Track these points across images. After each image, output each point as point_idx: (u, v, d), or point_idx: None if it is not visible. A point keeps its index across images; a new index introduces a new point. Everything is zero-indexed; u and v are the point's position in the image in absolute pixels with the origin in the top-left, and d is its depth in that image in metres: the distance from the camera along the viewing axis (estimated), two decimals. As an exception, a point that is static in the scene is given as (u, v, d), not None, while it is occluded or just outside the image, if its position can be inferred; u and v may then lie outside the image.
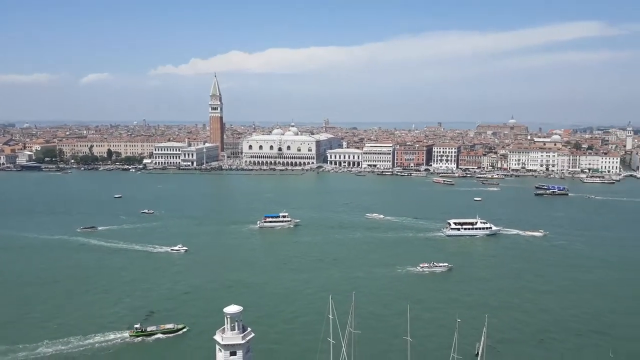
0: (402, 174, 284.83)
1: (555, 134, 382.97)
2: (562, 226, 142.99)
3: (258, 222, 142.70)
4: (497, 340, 67.77)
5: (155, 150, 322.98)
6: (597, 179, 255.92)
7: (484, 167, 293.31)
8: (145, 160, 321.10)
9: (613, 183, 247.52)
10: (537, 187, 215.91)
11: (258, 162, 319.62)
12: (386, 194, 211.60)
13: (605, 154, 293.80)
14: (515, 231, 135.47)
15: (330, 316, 57.38)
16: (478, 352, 60.65)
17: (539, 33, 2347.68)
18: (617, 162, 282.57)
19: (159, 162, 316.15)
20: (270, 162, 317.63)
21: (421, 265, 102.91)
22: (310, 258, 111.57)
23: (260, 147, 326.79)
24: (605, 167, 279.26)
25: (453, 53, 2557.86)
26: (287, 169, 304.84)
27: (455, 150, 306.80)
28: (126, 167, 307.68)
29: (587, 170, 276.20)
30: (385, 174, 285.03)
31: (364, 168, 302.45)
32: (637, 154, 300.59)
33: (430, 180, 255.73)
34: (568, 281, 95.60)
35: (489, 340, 58.05)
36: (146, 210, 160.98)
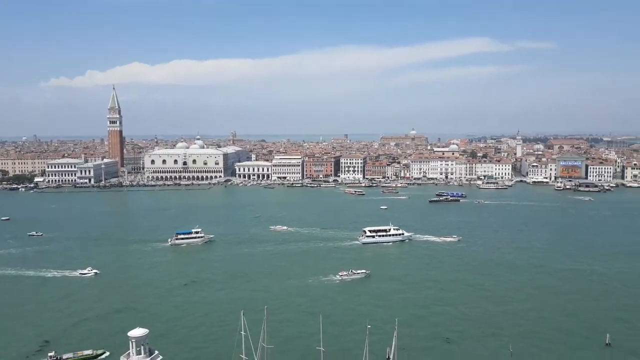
0: (312, 185, 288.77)
1: (453, 143, 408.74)
2: (475, 230, 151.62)
3: (169, 240, 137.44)
4: (407, 342, 70.41)
5: (48, 167, 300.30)
6: (492, 184, 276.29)
7: (388, 177, 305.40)
8: (36, 179, 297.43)
9: (506, 188, 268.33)
10: (437, 195, 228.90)
11: (162, 177, 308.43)
12: (296, 205, 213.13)
13: (499, 161, 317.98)
14: (428, 237, 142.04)
15: (243, 332, 56.54)
16: (389, 356, 62.75)
17: (434, 48, 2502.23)
18: (509, 169, 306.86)
19: (52, 181, 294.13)
20: (175, 177, 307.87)
21: (340, 274, 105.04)
22: (222, 274, 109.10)
23: (164, 161, 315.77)
24: (498, 173, 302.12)
25: (356, 67, 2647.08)
26: (193, 184, 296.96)
27: (362, 161, 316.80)
28: (14, 186, 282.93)
29: (482, 177, 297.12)
30: (295, 186, 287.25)
31: (274, 180, 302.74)
32: (526, 160, 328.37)
33: (340, 191, 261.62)
34: (475, 284, 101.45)
35: (400, 342, 60.20)
36: (34, 233, 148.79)
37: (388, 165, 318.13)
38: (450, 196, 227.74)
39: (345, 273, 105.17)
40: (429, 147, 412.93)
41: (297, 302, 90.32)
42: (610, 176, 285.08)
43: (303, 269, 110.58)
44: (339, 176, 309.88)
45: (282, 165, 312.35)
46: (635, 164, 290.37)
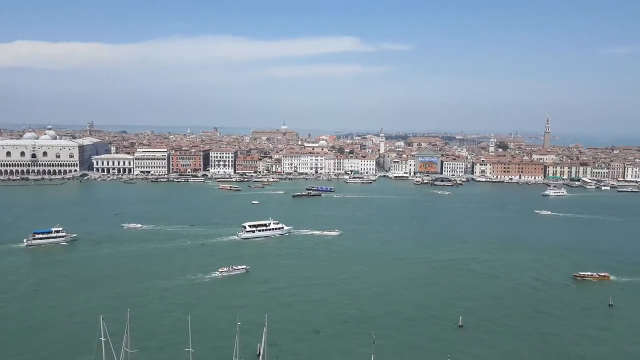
0: (179, 180, 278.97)
1: (322, 139, 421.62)
2: (350, 223, 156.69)
3: (25, 240, 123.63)
4: (278, 337, 71.51)
5: None
6: (358, 179, 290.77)
7: (260, 172, 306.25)
8: None
9: (370, 183, 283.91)
10: (307, 189, 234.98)
11: (5, 171, 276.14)
12: (161, 201, 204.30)
13: (364, 157, 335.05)
14: (309, 231, 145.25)
15: (103, 338, 53.13)
16: (259, 352, 63.16)
17: (304, 44, 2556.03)
18: (373, 164, 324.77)
19: None
20: (22, 172, 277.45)
21: (220, 270, 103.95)
22: (80, 277, 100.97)
23: (8, 153, 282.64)
24: (364, 169, 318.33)
25: (227, 58, 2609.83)
26: (43, 179, 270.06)
27: (232, 155, 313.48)
28: None
29: (349, 172, 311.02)
30: (160, 181, 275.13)
31: (136, 175, 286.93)
32: (388, 156, 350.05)
33: (210, 186, 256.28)
34: (349, 277, 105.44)
35: (271, 338, 60.90)
36: None
37: (260, 159, 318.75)
38: (320, 190, 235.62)
39: (225, 269, 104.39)
40: (299, 142, 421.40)
41: (167, 303, 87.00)
42: (462, 171, 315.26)
43: (172, 268, 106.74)
44: (209, 170, 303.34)
45: (146, 159, 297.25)
46: (482, 160, 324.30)
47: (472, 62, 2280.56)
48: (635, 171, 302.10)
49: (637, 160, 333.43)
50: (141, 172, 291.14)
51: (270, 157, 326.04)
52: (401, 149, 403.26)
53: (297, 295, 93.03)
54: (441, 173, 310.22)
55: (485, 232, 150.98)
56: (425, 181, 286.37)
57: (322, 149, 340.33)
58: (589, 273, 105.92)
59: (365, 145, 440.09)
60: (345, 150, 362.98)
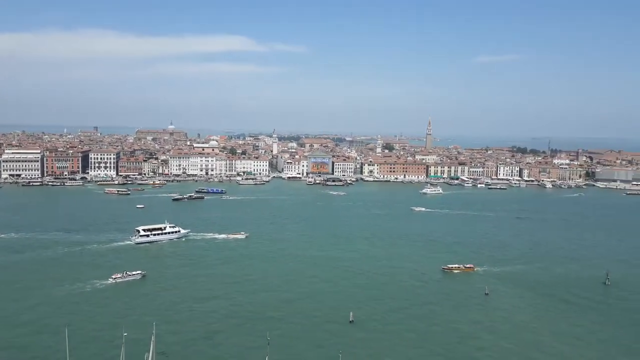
0: (55, 183, 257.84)
1: (213, 139, 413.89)
2: (245, 225, 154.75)
3: None
4: (168, 345, 69.17)
5: None
6: (251, 180, 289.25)
7: (145, 173, 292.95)
8: None
9: (264, 184, 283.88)
10: (196, 191, 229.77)
11: None
12: (34, 207, 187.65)
13: (257, 158, 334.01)
14: (209, 234, 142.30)
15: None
16: (148, 362, 60.60)
17: (195, 42, 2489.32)
18: (266, 165, 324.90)
19: None
20: None
21: (114, 277, 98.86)
22: None
23: None
24: (257, 169, 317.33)
25: (112, 54, 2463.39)
26: None
27: (115, 156, 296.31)
28: None
29: (242, 173, 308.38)
30: (32, 185, 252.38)
31: (5, 179, 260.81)
32: (281, 157, 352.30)
33: (91, 189, 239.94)
34: (244, 279, 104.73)
35: (160, 346, 58.71)
36: None
37: (145, 161, 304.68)
38: (211, 192, 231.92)
39: (119, 275, 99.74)
40: (188, 143, 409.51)
41: (39, 315, 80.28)
42: (352, 171, 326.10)
43: (52, 278, 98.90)
44: (88, 173, 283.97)
45: (16, 161, 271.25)
46: (370, 161, 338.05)
47: (360, 67, 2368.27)
48: (506, 170, 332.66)
49: (507, 160, 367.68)
50: (10, 175, 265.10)
51: (157, 158, 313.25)
52: (294, 150, 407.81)
53: (192, 299, 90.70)
54: (332, 173, 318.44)
55: (371, 230, 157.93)
56: (318, 181, 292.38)
57: (213, 150, 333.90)
58: (456, 265, 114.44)
59: (258, 146, 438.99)
60: (238, 151, 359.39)
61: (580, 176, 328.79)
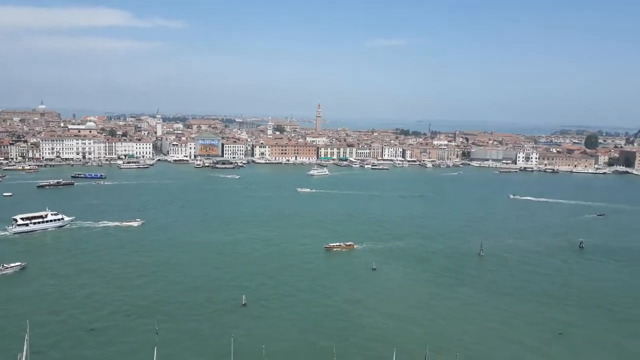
0: None
1: (90, 120, 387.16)
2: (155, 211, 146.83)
3: None
4: (44, 343, 64.47)
5: None
6: (133, 164, 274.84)
7: (12, 158, 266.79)
8: None
9: (147, 167, 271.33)
10: (72, 176, 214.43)
11: None
12: None
13: (139, 140, 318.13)
14: (100, 223, 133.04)
15: None
16: (21, 363, 56.05)
17: (64, 14, 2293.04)
18: (150, 148, 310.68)
19: None
20: None
21: None
22: None
23: None
24: (139, 152, 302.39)
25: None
26: None
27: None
28: None
29: (123, 157, 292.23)
30: None
31: None
32: (166, 139, 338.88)
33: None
34: (132, 268, 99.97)
35: (35, 345, 54.43)
36: None
37: (11, 144, 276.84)
38: (89, 177, 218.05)
39: None
40: (62, 124, 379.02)
41: None
42: (242, 154, 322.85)
43: None
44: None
45: None
46: (262, 143, 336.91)
47: (249, 45, 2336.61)
48: (391, 151, 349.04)
49: (392, 141, 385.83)
50: None
51: (26, 142, 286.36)
52: (180, 132, 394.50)
53: (76, 293, 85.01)
54: (222, 156, 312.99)
55: (261, 212, 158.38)
56: (207, 164, 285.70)
57: (90, 132, 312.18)
58: (337, 243, 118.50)
59: (140, 128, 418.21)
60: (118, 133, 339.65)
61: (457, 156, 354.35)
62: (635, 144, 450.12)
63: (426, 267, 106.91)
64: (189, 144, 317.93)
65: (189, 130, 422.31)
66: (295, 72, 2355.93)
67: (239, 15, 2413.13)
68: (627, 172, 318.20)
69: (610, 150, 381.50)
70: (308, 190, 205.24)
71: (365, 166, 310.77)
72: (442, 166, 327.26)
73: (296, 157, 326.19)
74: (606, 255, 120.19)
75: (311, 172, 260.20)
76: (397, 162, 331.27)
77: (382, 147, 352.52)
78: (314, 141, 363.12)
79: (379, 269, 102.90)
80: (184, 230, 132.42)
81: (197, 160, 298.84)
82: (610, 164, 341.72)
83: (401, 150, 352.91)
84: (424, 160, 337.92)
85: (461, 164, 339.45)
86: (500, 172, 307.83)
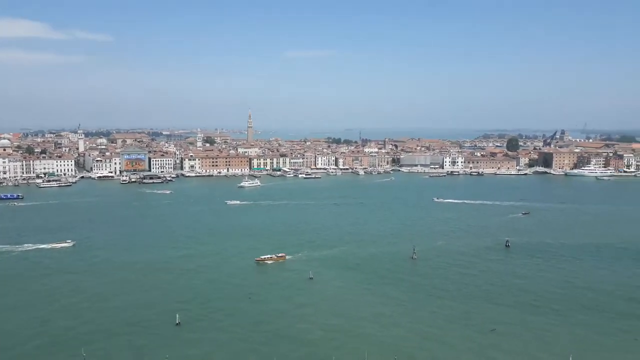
0: None
1: (4, 138, 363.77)
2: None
3: None
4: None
5: None
6: (54, 182, 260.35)
7: None
8: None
9: (70, 185, 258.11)
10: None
11: None
12: None
13: (60, 157, 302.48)
14: (29, 245, 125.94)
15: None
16: None
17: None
18: (72, 165, 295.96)
19: None
20: None
21: None
22: None
23: None
24: (61, 170, 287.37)
25: None
26: None
27: None
28: None
29: (42, 175, 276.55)
30: None
31: None
32: (89, 155, 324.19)
33: None
34: (60, 288, 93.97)
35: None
36: None
37: None
38: (3, 198, 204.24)
39: None
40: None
41: None
42: (171, 167, 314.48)
43: None
44: None
45: None
46: (191, 156, 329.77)
47: (174, 57, 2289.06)
48: (324, 160, 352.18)
49: (324, 150, 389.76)
50: None
51: None
52: (104, 147, 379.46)
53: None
54: (150, 170, 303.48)
55: (190, 227, 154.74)
56: (134, 180, 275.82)
57: (5, 150, 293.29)
58: (268, 256, 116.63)
59: (60, 144, 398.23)
60: (36, 150, 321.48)
61: (388, 162, 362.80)
62: (552, 146, 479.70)
63: (362, 273, 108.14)
64: (113, 159, 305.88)
65: (113, 145, 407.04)
66: (222, 82, 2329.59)
67: (165, 28, 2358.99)
68: (546, 172, 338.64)
69: (530, 152, 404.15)
70: (238, 202, 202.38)
71: (299, 175, 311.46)
72: (373, 173, 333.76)
73: (228, 168, 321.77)
74: (530, 252, 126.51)
75: (242, 184, 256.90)
76: (330, 171, 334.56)
77: (315, 156, 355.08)
78: (246, 152, 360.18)
79: (316, 278, 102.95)
80: (112, 249, 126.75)
81: (122, 175, 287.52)
82: (530, 165, 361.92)
83: (334, 158, 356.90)
84: (356, 168, 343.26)
85: (392, 170, 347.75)
86: (430, 176, 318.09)
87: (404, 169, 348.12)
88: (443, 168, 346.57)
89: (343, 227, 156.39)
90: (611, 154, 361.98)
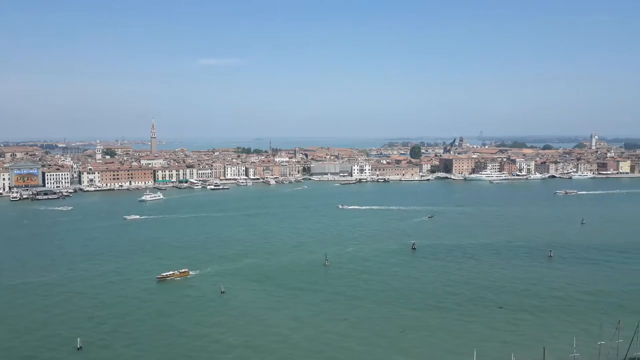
0: None
1: None
2: None
3: None
4: None
5: None
6: None
7: None
8: None
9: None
10: None
11: None
12: None
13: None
14: None
15: None
16: None
17: None
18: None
19: None
20: None
21: None
22: None
23: None
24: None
25: None
26: None
27: None
28: None
29: None
30: None
31: None
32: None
33: None
34: None
35: None
36: None
37: None
38: None
39: None
40: None
41: None
42: (68, 182, 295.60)
43: None
44: None
45: None
46: (90, 169, 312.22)
47: (71, 65, 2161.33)
48: (234, 170, 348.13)
49: (234, 160, 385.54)
50: None
51: None
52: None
53: None
54: (44, 185, 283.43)
55: (87, 245, 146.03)
56: (25, 196, 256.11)
57: None
58: (171, 272, 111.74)
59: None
60: None
61: (299, 171, 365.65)
62: (451, 152, 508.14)
63: (276, 284, 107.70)
64: (2, 174, 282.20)
65: (1, 159, 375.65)
66: (125, 92, 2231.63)
67: (58, 31, 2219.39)
68: (447, 177, 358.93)
69: (432, 159, 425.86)
70: (138, 217, 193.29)
71: (208, 187, 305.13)
72: (285, 182, 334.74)
73: (130, 181, 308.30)
74: (434, 254, 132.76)
75: (143, 198, 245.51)
76: (240, 181, 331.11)
77: (225, 167, 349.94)
78: (149, 164, 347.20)
79: (228, 292, 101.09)
80: (4, 272, 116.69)
81: (13, 192, 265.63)
82: (432, 171, 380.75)
83: (244, 168, 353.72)
84: (267, 178, 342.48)
85: (303, 178, 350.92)
86: (341, 184, 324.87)
87: (314, 178, 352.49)
88: (352, 176, 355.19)
89: (254, 238, 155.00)
90: (505, 159, 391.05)
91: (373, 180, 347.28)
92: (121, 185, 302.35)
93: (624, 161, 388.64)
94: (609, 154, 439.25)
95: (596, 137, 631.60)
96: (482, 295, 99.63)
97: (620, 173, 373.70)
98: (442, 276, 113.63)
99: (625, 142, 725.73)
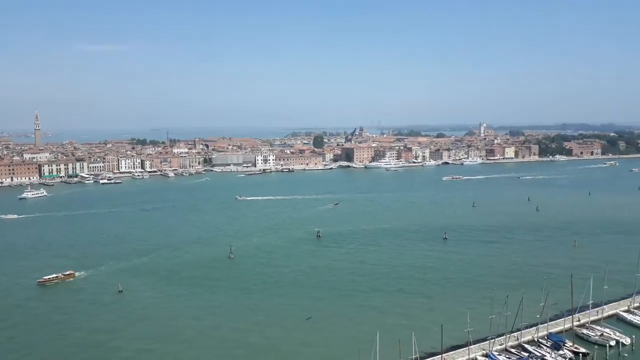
0: None
1: None
2: None
3: None
4: None
5: None
6: None
7: None
8: None
9: None
10: None
11: None
12: None
13: None
14: None
15: None
16: None
17: None
18: None
19: None
20: None
21: None
22: None
23: None
24: None
25: None
26: None
27: None
28: None
29: None
30: None
31: None
32: None
33: None
34: None
35: None
36: None
37: None
38: None
39: None
40: None
41: None
42: None
43: None
44: None
45: None
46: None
47: None
48: (128, 162, 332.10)
49: (129, 152, 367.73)
50: None
51: None
52: None
53: None
54: None
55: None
56: None
57: None
58: (54, 275, 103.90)
59: None
60: None
61: (199, 163, 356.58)
62: (352, 142, 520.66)
63: (178, 280, 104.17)
64: None
65: None
66: (4, 79, 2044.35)
67: None
68: (349, 166, 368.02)
69: (334, 148, 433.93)
70: (15, 216, 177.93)
71: (100, 181, 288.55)
72: (185, 174, 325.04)
73: (12, 177, 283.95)
74: (337, 241, 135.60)
75: (24, 195, 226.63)
76: (136, 174, 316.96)
77: (118, 159, 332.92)
78: (33, 158, 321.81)
79: (127, 292, 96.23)
80: None
81: None
82: (335, 160, 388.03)
83: (140, 161, 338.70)
84: (165, 170, 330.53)
85: (204, 170, 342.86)
86: (246, 175, 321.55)
87: (217, 169, 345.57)
88: (256, 166, 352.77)
89: (153, 233, 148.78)
90: (402, 147, 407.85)
91: (277, 170, 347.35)
92: (1, 182, 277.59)
93: (509, 147, 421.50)
94: (495, 141, 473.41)
95: (484, 125, 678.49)
96: (383, 280, 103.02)
97: (506, 158, 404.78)
98: (345, 261, 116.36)
99: (510, 130, 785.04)
